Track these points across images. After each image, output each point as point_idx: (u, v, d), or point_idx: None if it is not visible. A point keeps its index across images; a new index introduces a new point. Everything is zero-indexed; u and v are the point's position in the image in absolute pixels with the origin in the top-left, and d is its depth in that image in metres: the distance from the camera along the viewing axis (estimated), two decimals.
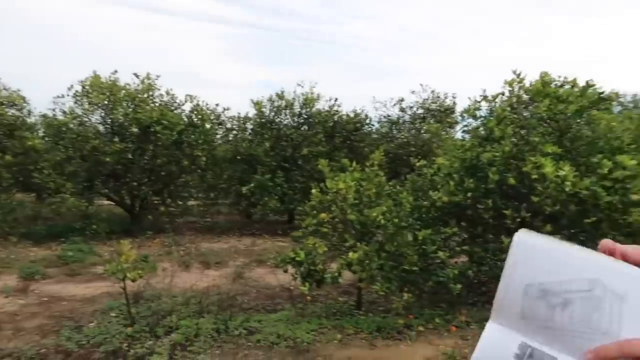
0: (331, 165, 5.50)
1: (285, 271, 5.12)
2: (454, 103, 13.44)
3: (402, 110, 13.83)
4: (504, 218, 5.01)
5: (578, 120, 5.20)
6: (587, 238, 5.20)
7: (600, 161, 4.58)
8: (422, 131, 12.66)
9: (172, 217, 11.50)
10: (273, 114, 12.04)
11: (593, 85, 5.35)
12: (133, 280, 4.46)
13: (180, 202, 11.52)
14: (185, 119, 10.73)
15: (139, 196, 10.52)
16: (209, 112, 11.37)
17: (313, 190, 5.17)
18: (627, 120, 5.58)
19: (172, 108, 10.76)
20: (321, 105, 12.17)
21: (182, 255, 8.59)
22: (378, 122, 13.98)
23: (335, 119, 12.27)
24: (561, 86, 5.37)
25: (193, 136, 10.51)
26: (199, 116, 10.94)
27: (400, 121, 13.77)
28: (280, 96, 11.93)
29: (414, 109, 13.72)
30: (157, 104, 10.48)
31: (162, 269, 7.39)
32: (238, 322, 4.94)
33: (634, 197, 4.46)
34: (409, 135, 13.02)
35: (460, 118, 10.82)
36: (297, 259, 4.82)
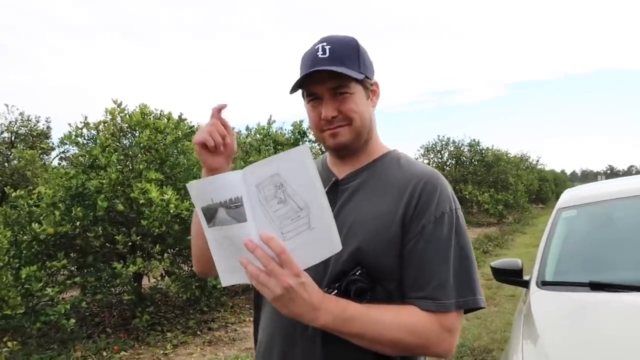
0: None
1: None
2: (49, 127, 12.53)
3: None
4: (115, 244, 5.13)
5: (175, 150, 5.87)
6: (189, 252, 5.91)
7: None
8: (12, 158, 11.21)
9: None
10: None
11: (185, 119, 6.20)
12: None
13: None
14: None
15: None
16: None
17: None
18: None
19: None
20: None
21: None
22: None
23: None
24: (159, 118, 5.94)
25: None
26: None
27: None
28: None
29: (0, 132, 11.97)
30: None
31: None
32: None
33: None
34: None
35: (57, 144, 10.20)
36: None
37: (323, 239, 0.94)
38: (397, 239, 1.11)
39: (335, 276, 1.10)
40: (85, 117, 5.78)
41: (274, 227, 0.92)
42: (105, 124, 5.81)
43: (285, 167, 0.91)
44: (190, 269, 5.97)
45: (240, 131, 8.57)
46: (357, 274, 1.08)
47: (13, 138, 12.15)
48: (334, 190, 1.22)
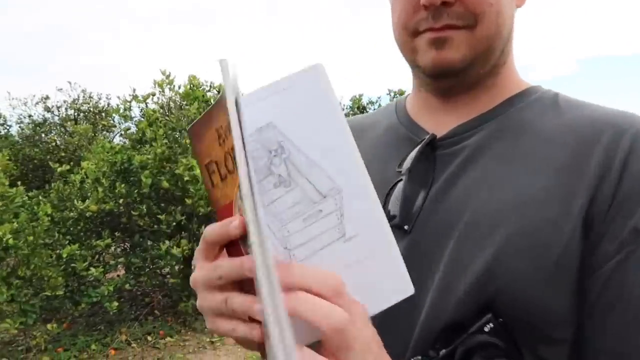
0: None
1: None
2: (109, 104, 12.60)
3: (48, 110, 12.09)
4: (160, 224, 4.81)
5: None
6: None
7: None
8: (74, 135, 11.36)
9: None
10: None
11: None
12: None
13: None
14: None
15: None
16: None
17: None
18: None
19: None
20: None
21: None
22: (18, 124, 11.85)
23: None
24: (209, 90, 5.55)
25: None
26: None
27: (47, 123, 11.99)
28: None
29: (63, 109, 12.19)
30: None
31: None
32: None
33: None
34: (58, 138, 11.45)
35: (116, 120, 10.20)
36: None
37: (376, 263, 0.44)
38: (574, 256, 0.54)
39: (437, 335, 0.56)
40: (134, 90, 5.49)
41: (270, 235, 0.44)
42: (154, 97, 5.49)
43: (287, 111, 0.45)
44: None
45: None
46: (485, 328, 0.51)
47: (77, 115, 12.36)
48: (428, 156, 0.66)
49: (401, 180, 0.65)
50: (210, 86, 5.72)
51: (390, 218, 0.63)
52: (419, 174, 0.64)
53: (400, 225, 0.62)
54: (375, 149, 0.73)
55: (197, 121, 0.48)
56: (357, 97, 7.71)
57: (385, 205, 0.65)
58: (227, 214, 0.44)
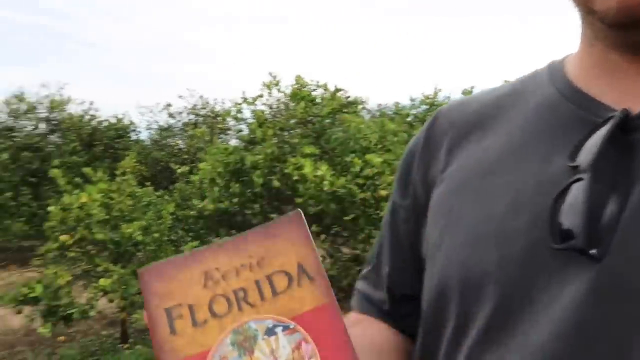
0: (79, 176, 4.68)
1: (19, 312, 4.14)
2: (223, 108, 13.35)
3: (171, 116, 13.14)
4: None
5: (330, 122, 5.47)
6: (349, 234, 5.53)
7: (353, 160, 4.87)
8: (194, 138, 12.23)
9: None
10: (11, 119, 10.12)
11: (341, 89, 5.75)
12: None
13: None
14: None
15: None
16: None
17: (51, 208, 4.30)
18: (372, 123, 6.14)
19: None
20: (73, 110, 10.73)
21: None
22: (147, 129, 13.03)
23: (93, 125, 10.94)
24: (314, 90, 5.60)
25: None
26: None
27: (171, 128, 13.05)
28: (20, 98, 10.09)
29: (184, 114, 13.17)
30: None
31: None
32: None
33: (382, 192, 4.85)
34: (180, 142, 12.41)
35: (231, 123, 10.75)
36: (32, 294, 3.92)
37: None
38: None
39: None
40: (243, 92, 5.72)
41: None
42: (262, 98, 5.67)
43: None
44: (351, 251, 5.59)
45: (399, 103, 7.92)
46: None
47: (196, 119, 13.29)
48: (621, 145, 0.45)
49: (578, 180, 0.44)
50: (317, 85, 5.78)
51: (564, 237, 0.43)
52: (608, 172, 0.44)
53: (584, 249, 0.42)
54: (524, 134, 0.52)
55: (160, 263, 0.45)
56: (469, 89, 7.33)
57: (554, 217, 0.45)
58: None
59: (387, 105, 8.13)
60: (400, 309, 0.62)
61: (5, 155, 9.62)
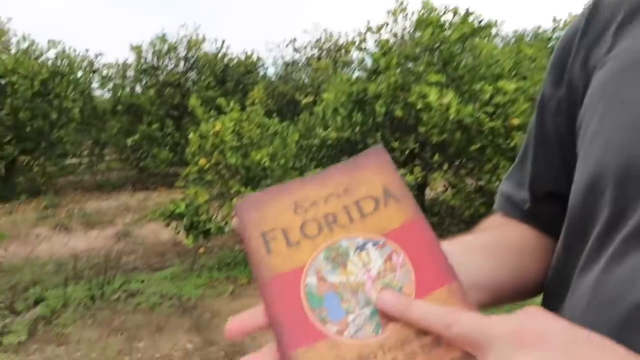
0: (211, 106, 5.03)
1: (167, 225, 4.69)
2: (347, 41, 13.22)
3: (296, 50, 13.38)
4: (393, 151, 4.91)
5: (459, 48, 5.13)
6: (474, 165, 5.30)
7: (482, 88, 4.57)
8: (317, 71, 12.39)
9: (50, 178, 10.40)
10: (155, 59, 11.05)
11: (472, 13, 5.31)
12: None
13: (57, 161, 10.39)
14: (49, 67, 9.46)
15: (3, 157, 9.28)
16: (78, 59, 10.13)
17: (191, 135, 4.70)
18: (506, 48, 5.65)
19: (32, 56, 9.42)
20: (208, 48, 11.39)
21: (62, 218, 7.74)
22: (273, 65, 13.48)
23: (225, 63, 11.56)
24: (443, 14, 5.25)
25: (59, 87, 9.32)
26: (66, 63, 9.70)
27: (296, 62, 13.34)
28: (163, 39, 10.93)
29: (308, 49, 13.33)
30: (11, 52, 9.12)
31: (35, 235, 6.61)
32: (116, 285, 4.47)
33: (515, 121, 4.52)
34: (304, 76, 12.67)
35: (354, 57, 10.64)
36: (177, 211, 4.40)
37: None
38: None
39: None
40: (368, 22, 5.57)
41: None
42: (387, 26, 5.47)
43: None
44: (476, 182, 5.39)
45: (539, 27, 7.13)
46: None
47: (320, 53, 13.38)
48: None
49: None
50: (445, 9, 5.41)
51: None
52: None
53: None
54: None
55: (253, 194, 0.48)
56: None
57: None
58: (292, 278, 0.42)
59: (524, 30, 7.39)
60: (543, 208, 0.58)
61: (151, 92, 10.63)
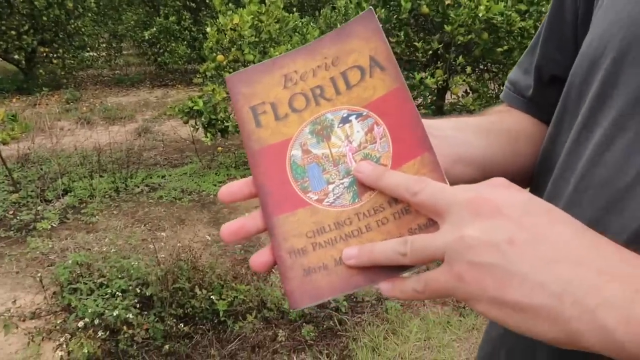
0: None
1: (186, 122, 4.71)
2: None
3: None
4: (416, 51, 4.71)
5: None
6: (499, 68, 5.09)
7: None
8: None
9: (70, 71, 10.38)
10: None
11: None
12: (4, 143, 3.91)
13: (75, 53, 10.28)
14: None
15: (23, 48, 9.20)
16: None
17: (209, 29, 4.55)
18: None
19: None
20: None
21: (84, 112, 7.85)
22: None
23: None
24: None
25: None
26: None
27: None
28: None
29: None
30: None
31: (59, 128, 6.76)
32: (139, 179, 4.63)
33: None
34: None
35: None
36: (195, 108, 4.39)
37: None
38: None
39: None
40: None
41: None
42: None
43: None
44: (497, 87, 5.20)
45: None
46: None
47: None
48: None
49: None
50: None
51: None
52: None
53: None
54: None
55: (244, 69, 0.49)
56: None
57: None
58: (278, 150, 0.45)
59: None
60: (545, 94, 0.57)
61: None
